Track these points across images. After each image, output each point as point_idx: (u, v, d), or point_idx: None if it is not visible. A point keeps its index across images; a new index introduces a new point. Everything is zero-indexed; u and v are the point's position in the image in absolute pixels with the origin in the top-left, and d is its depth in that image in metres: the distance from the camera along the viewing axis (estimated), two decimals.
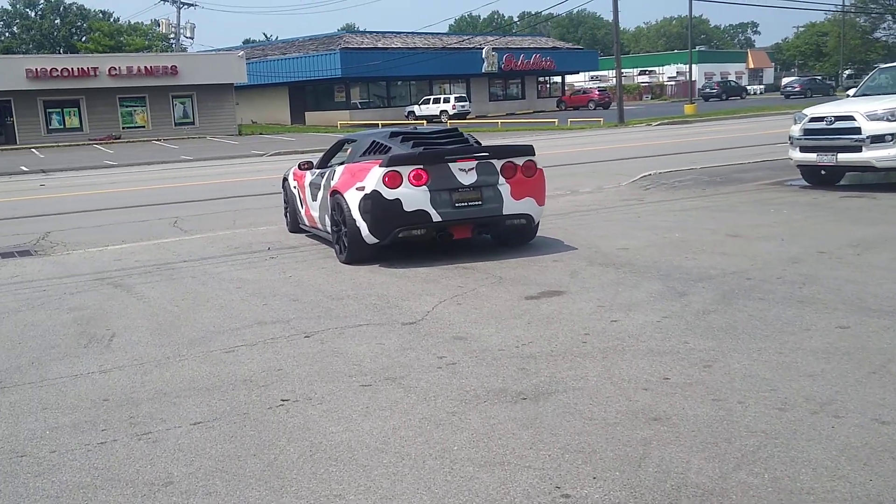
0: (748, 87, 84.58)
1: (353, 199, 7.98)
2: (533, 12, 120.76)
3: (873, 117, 10.90)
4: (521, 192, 8.13)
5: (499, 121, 43.83)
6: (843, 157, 11.23)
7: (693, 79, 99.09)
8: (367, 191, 7.76)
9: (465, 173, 7.89)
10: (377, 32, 56.42)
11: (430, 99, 52.12)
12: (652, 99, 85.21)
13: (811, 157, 11.70)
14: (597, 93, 61.02)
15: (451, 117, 47.97)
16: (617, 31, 38.40)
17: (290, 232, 10.55)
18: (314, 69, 50.61)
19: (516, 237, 8.65)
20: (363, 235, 7.93)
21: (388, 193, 7.68)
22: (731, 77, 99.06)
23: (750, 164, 15.45)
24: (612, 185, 14.00)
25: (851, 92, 13.17)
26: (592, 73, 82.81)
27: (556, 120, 40.92)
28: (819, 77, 73.12)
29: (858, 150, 11.04)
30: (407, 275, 7.37)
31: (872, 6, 72.77)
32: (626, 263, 7.27)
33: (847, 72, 79.64)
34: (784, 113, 39.55)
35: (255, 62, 51.55)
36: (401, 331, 5.45)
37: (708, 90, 71.22)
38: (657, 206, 11.11)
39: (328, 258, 8.47)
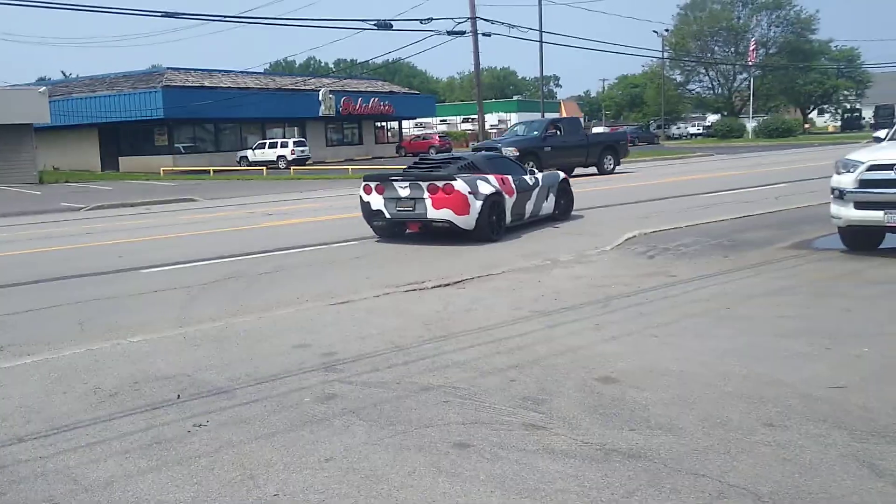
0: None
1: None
2: (349, 59, 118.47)
3: None
4: (439, 203, 11.71)
5: (349, 167, 40.08)
6: None
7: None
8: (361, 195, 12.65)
9: (403, 189, 11.94)
10: (204, 70, 51.03)
11: (265, 143, 47.47)
12: None
13: (874, 215, 9.10)
14: (437, 139, 58.95)
15: (291, 163, 43.66)
16: (478, 71, 36.20)
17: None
18: (131, 109, 44.45)
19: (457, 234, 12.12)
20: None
21: (365, 198, 12.47)
22: None
23: (732, 221, 12.89)
24: (592, 249, 10.87)
25: (882, 133, 10.89)
26: (417, 120, 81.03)
27: (405, 166, 37.79)
28: (645, 125, 75.86)
29: None
30: None
31: (685, 59, 76.63)
32: None
33: (655, 121, 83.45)
34: (638, 160, 38.88)
35: (57, 100, 44.50)
36: None
37: None
38: (713, 286, 8.01)
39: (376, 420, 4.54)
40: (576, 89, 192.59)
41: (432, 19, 31.78)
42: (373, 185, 12.21)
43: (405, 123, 71.01)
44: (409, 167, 13.28)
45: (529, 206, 13.38)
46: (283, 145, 46.37)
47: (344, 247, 12.41)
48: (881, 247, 9.93)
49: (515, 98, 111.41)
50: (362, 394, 5.05)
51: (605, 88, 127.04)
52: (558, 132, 26.97)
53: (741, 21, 77.85)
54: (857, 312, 6.60)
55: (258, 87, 50.48)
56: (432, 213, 11.68)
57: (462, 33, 33.60)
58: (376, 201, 12.16)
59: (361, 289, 8.88)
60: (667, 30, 73.94)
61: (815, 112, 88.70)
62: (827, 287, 7.71)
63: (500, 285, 8.66)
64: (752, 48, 72.39)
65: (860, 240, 9.87)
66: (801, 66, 74.41)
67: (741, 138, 67.33)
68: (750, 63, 72.41)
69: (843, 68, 79.71)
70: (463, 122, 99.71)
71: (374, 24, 30.47)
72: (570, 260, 10.19)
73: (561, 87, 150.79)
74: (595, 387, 4.96)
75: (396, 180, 11.93)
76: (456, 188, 11.56)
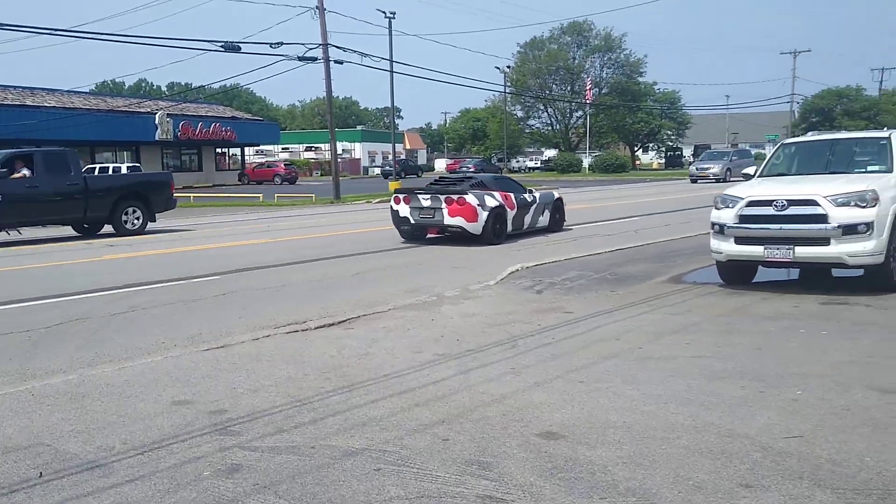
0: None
1: None
2: (184, 83, 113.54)
3: (839, 202, 8.78)
4: (454, 213, 14.61)
5: (189, 195, 37.89)
6: (804, 252, 8.92)
7: (357, 156, 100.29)
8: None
9: (425, 200, 14.92)
10: (25, 88, 46.99)
11: (95, 168, 44.13)
12: (321, 175, 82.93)
13: (755, 250, 9.26)
14: (283, 167, 57.60)
15: None
16: (330, 100, 35.42)
17: None
18: None
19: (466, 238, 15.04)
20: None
21: (395, 207, 15.44)
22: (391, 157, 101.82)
23: (608, 255, 12.95)
24: (476, 283, 10.46)
25: (751, 170, 11.21)
26: (258, 148, 78.72)
27: (259, 195, 36.36)
28: (488, 159, 77.59)
29: (825, 242, 8.80)
30: None
31: (526, 95, 79.34)
32: None
33: (496, 154, 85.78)
34: None
35: None
36: None
37: (388, 168, 71.39)
38: (615, 323, 7.77)
39: None
40: (418, 121, 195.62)
41: (283, 44, 30.81)
42: (401, 196, 15.28)
43: (247, 150, 68.77)
44: (430, 184, 16.08)
45: (528, 219, 16.25)
46: (116, 170, 43.32)
47: (205, 282, 11.31)
48: (754, 280, 10.17)
49: (360, 128, 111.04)
50: (273, 463, 4.25)
51: (448, 121, 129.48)
52: (27, 172, 17.34)
53: (577, 62, 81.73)
54: (769, 351, 6.50)
55: (87, 107, 47.16)
56: (448, 221, 14.64)
57: (314, 59, 32.80)
58: (403, 210, 15.15)
59: (235, 330, 7.96)
60: (509, 66, 76.31)
61: (642, 150, 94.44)
62: (727, 324, 7.63)
63: (390, 325, 8.02)
64: (588, 88, 76.10)
65: (737, 274, 10.06)
66: (630, 105, 78.98)
67: (579, 172, 70.30)
68: (586, 101, 76.06)
69: (667, 109, 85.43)
70: (306, 150, 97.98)
71: (222, 46, 29.13)
72: (456, 295, 9.71)
73: (402, 118, 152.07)
74: (541, 445, 4.43)
75: (420, 193, 15.00)
76: (468, 201, 14.53)
